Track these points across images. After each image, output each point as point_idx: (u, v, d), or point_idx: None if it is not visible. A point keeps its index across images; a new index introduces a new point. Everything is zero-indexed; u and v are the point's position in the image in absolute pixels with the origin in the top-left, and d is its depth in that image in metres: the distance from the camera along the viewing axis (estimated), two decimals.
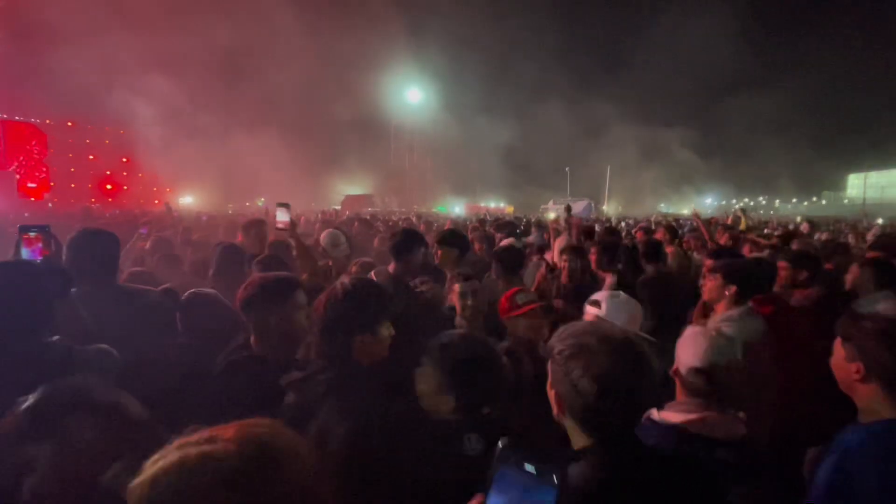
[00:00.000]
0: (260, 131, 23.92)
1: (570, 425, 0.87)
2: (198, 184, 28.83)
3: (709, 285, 2.04)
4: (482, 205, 32.22)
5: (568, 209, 10.55)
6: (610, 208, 32.86)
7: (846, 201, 64.48)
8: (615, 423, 0.82)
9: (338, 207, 26.22)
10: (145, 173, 25.18)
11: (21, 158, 15.86)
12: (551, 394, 0.90)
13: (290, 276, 1.58)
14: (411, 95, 33.09)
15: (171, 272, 2.85)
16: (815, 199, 77.01)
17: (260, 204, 28.73)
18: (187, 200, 27.17)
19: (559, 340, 0.89)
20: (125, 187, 24.88)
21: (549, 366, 0.91)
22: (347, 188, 29.30)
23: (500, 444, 0.55)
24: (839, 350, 1.14)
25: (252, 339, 1.46)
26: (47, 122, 22.58)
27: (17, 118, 17.74)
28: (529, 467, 0.52)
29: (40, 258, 1.56)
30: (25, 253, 1.58)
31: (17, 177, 15.02)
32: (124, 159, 25.47)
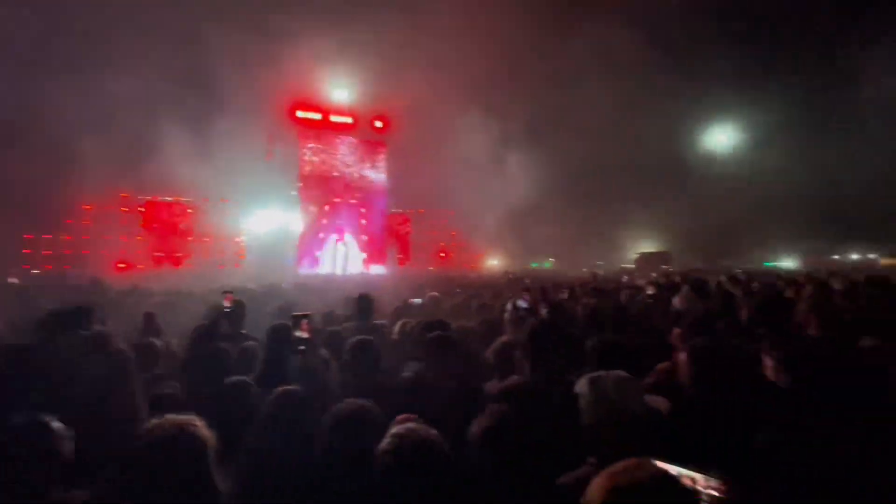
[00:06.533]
0: (550, 195, 26.07)
1: None
2: (499, 248, 34.07)
3: None
4: (835, 257, 24.06)
5: None
6: None
7: None
8: None
9: (631, 266, 25.09)
10: (466, 243, 31.33)
11: (398, 239, 23.13)
12: None
13: None
14: (712, 135, 29.17)
15: None
16: None
17: (547, 265, 30.87)
18: (494, 262, 32.41)
19: None
20: (453, 255, 31.69)
21: None
22: (640, 244, 27.75)
23: None
24: None
25: None
26: (410, 211, 31.43)
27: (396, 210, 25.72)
28: None
29: None
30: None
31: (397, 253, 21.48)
32: (453, 233, 32.55)
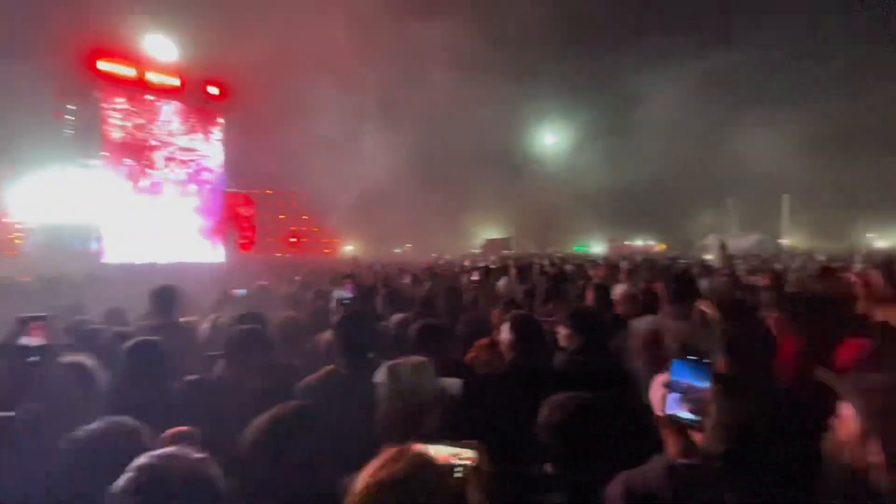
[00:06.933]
0: (402, 182, 26.48)
1: None
2: (355, 234, 33.39)
3: None
4: (627, 243, 29.94)
5: (722, 247, 9.00)
6: (794, 242, 26.93)
7: None
8: None
9: (477, 251, 27.20)
10: (319, 228, 29.92)
11: (238, 222, 20.65)
12: None
13: None
14: (546, 131, 33.07)
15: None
16: None
17: (398, 251, 31.58)
18: (349, 249, 31.69)
19: None
20: (304, 240, 29.89)
21: None
22: (486, 231, 30.21)
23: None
24: None
25: None
26: (254, 191, 28.54)
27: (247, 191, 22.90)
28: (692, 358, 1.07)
29: None
30: None
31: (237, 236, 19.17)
32: (305, 217, 30.67)
